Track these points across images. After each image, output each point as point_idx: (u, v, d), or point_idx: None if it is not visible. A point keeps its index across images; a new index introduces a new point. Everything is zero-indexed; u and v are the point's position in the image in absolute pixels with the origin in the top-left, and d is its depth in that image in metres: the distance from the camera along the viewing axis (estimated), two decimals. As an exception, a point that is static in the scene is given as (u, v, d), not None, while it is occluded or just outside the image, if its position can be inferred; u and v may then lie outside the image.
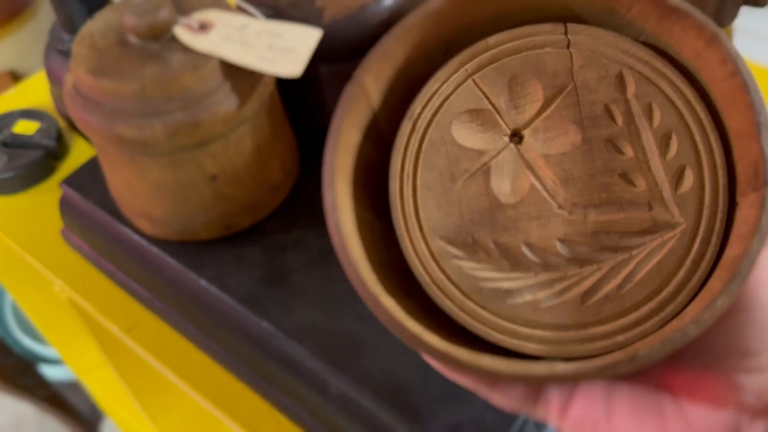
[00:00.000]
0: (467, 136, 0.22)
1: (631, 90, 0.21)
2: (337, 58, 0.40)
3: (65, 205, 0.48)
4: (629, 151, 0.21)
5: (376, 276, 0.21)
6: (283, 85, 0.41)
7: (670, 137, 0.21)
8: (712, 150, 0.20)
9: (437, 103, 0.22)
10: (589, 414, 0.22)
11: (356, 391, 0.35)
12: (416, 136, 0.22)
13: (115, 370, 0.59)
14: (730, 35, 0.44)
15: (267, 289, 0.39)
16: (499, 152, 0.22)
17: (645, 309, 0.20)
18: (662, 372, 0.23)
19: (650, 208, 0.20)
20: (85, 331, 0.55)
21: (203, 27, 0.37)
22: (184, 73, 0.35)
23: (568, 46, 0.21)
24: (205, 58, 0.36)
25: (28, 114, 0.57)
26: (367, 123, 0.22)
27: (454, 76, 0.22)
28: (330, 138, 0.22)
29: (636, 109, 0.21)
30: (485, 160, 0.22)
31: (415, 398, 0.34)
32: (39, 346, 1.03)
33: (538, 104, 0.21)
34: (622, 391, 0.22)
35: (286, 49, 0.37)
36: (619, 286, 0.20)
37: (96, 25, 0.38)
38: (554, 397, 0.23)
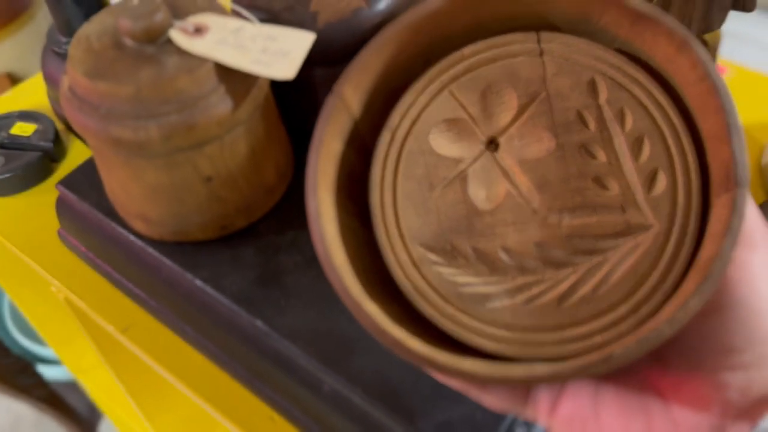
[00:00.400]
0: (444, 144, 0.22)
1: (603, 96, 0.21)
2: (330, 62, 0.40)
3: (62, 206, 0.48)
4: (602, 156, 0.21)
5: (360, 282, 0.22)
6: (277, 88, 0.42)
7: (642, 141, 0.21)
8: (684, 153, 0.21)
9: (415, 114, 0.23)
10: (577, 413, 0.23)
11: (349, 390, 0.36)
12: (395, 146, 0.23)
13: (111, 369, 0.60)
14: (718, 40, 0.44)
15: (261, 289, 0.40)
16: (475, 160, 0.22)
17: (621, 310, 0.20)
18: (649, 372, 0.23)
19: (624, 211, 0.21)
20: (81, 331, 0.56)
21: (198, 30, 0.37)
22: (180, 75, 0.35)
23: (541, 55, 0.22)
24: (200, 61, 0.36)
25: (26, 116, 0.57)
26: (349, 133, 0.23)
27: (431, 86, 0.23)
28: (312, 148, 0.22)
29: (608, 114, 0.21)
30: (462, 168, 0.22)
31: (407, 397, 0.35)
32: (36, 346, 1.03)
33: (513, 112, 0.22)
34: (609, 391, 0.23)
35: (281, 53, 0.37)
36: (595, 288, 0.20)
37: (92, 28, 0.39)
38: (543, 397, 0.23)
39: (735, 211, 0.19)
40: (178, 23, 0.37)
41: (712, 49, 0.44)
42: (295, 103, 0.44)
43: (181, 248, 0.42)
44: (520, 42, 0.22)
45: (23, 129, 0.56)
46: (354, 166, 0.23)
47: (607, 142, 0.21)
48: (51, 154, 0.56)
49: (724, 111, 0.19)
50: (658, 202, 0.21)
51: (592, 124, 0.21)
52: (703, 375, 0.21)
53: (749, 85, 0.58)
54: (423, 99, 0.23)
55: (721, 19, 0.41)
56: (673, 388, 0.22)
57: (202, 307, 0.41)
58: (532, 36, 0.22)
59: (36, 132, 0.56)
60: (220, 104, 0.36)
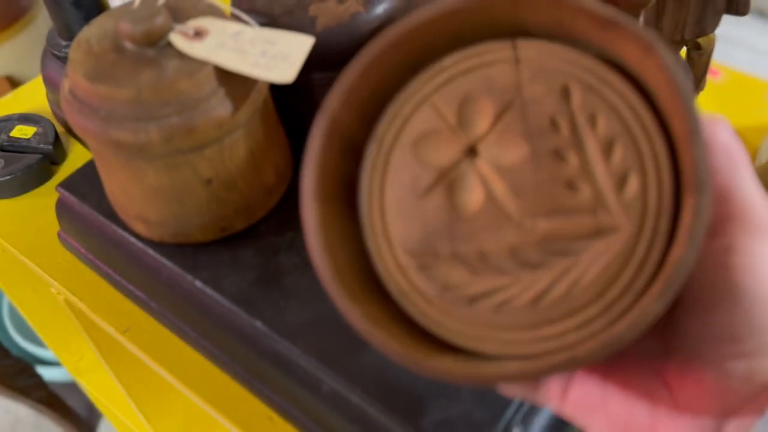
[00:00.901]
0: (427, 154, 0.23)
1: (576, 100, 0.21)
2: (329, 65, 0.40)
3: (62, 208, 0.48)
4: (574, 161, 0.21)
5: (358, 284, 0.23)
6: (276, 91, 0.42)
7: (614, 144, 0.21)
8: (656, 154, 0.21)
9: (399, 124, 0.23)
10: (585, 399, 0.24)
11: (348, 390, 0.36)
12: (382, 157, 0.23)
13: (111, 371, 0.60)
14: (712, 44, 0.44)
15: (261, 289, 0.40)
16: (455, 168, 0.23)
17: (592, 310, 0.21)
18: (655, 358, 0.24)
19: (595, 213, 0.21)
20: (81, 332, 0.56)
21: (198, 34, 0.38)
22: (180, 78, 0.36)
23: (517, 62, 0.22)
24: (200, 64, 0.36)
25: (26, 118, 0.57)
26: (343, 145, 0.24)
27: (414, 97, 0.23)
28: (306, 163, 0.23)
29: (580, 118, 0.21)
30: (443, 176, 0.23)
31: (406, 395, 0.35)
32: (36, 348, 1.03)
33: (490, 120, 0.22)
34: (616, 378, 0.24)
35: (280, 56, 0.37)
36: (568, 289, 0.21)
37: (93, 31, 0.39)
38: (553, 384, 0.24)
39: (696, 216, 0.19)
40: (178, 27, 0.38)
41: (706, 53, 0.44)
42: (294, 106, 0.44)
43: (181, 250, 0.42)
44: (496, 51, 0.23)
45: (23, 132, 0.56)
46: (352, 175, 0.24)
47: (580, 147, 0.21)
48: (51, 157, 0.56)
49: (687, 116, 0.19)
50: (629, 204, 0.21)
51: (564, 129, 0.22)
52: (706, 363, 0.22)
53: (742, 88, 0.59)
54: (407, 110, 0.23)
55: (715, 23, 0.42)
56: (677, 376, 0.23)
57: (202, 308, 0.41)
58: (507, 44, 0.23)
59: (36, 135, 0.56)
60: (220, 107, 0.37)
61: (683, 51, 0.46)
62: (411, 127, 0.23)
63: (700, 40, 0.44)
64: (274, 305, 0.39)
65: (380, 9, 0.41)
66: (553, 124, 0.22)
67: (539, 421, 0.36)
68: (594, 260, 0.21)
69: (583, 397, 0.24)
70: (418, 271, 0.23)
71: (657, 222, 0.21)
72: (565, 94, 0.22)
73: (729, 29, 0.55)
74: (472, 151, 0.23)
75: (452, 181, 0.23)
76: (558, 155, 0.21)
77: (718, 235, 0.22)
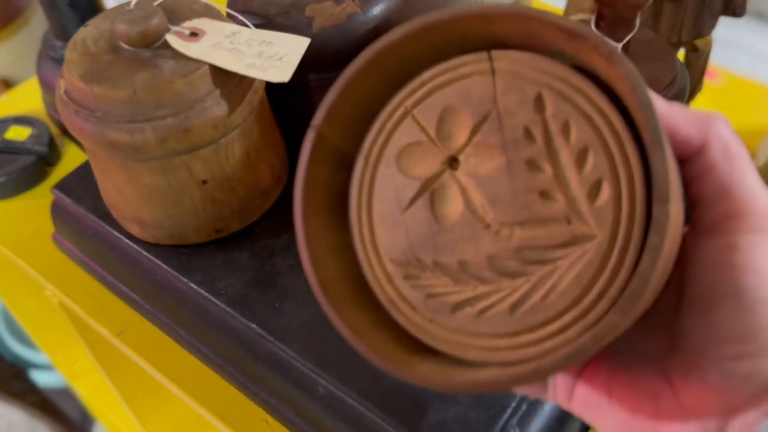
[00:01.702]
0: (410, 167, 0.24)
1: (549, 110, 0.22)
2: (325, 66, 0.40)
3: (57, 210, 0.48)
4: (548, 170, 0.22)
5: (350, 293, 0.24)
6: (272, 91, 0.42)
7: (587, 152, 0.21)
8: (629, 162, 0.21)
9: (383, 140, 0.24)
10: (591, 398, 0.24)
11: (344, 392, 0.36)
12: (369, 172, 0.24)
13: (105, 373, 0.60)
14: (709, 45, 0.45)
15: (256, 292, 0.40)
16: (436, 180, 0.23)
17: (568, 317, 0.21)
18: (660, 357, 0.24)
19: (569, 222, 0.21)
20: (75, 335, 0.56)
21: (194, 34, 0.38)
22: (175, 79, 0.36)
23: (493, 73, 0.22)
24: (196, 64, 0.36)
25: (21, 120, 0.57)
26: (334, 160, 0.25)
27: (397, 112, 0.24)
28: (297, 177, 0.24)
29: (553, 128, 0.21)
30: (426, 188, 0.23)
31: (402, 398, 0.35)
32: (29, 352, 1.03)
33: (467, 132, 0.23)
34: (621, 377, 0.24)
35: (276, 57, 0.37)
36: (544, 297, 0.21)
37: (89, 32, 0.39)
38: (561, 383, 0.25)
39: (654, 228, 0.19)
40: (174, 27, 0.38)
41: (703, 54, 0.45)
42: (290, 107, 0.44)
43: (176, 251, 0.42)
44: (472, 63, 0.23)
45: (18, 133, 0.56)
46: (346, 185, 0.25)
47: (553, 156, 0.22)
48: (46, 158, 0.56)
49: (649, 125, 0.19)
50: (601, 212, 0.21)
51: (538, 139, 0.22)
52: (709, 363, 0.22)
53: (740, 91, 0.59)
54: (390, 125, 0.24)
55: (712, 25, 0.42)
56: (681, 376, 0.23)
57: (197, 310, 0.41)
58: (483, 56, 0.23)
59: (31, 136, 0.56)
60: (216, 107, 0.36)
61: (681, 53, 0.46)
62: (394, 141, 0.24)
63: (697, 42, 0.44)
64: (270, 307, 0.39)
65: (377, 10, 0.41)
66: (528, 134, 0.22)
67: (536, 424, 0.36)
68: (569, 268, 0.21)
69: (589, 396, 0.24)
70: (403, 281, 0.23)
71: (629, 230, 0.21)
72: (539, 103, 0.22)
73: (729, 32, 0.55)
74: (451, 164, 0.23)
75: (434, 192, 0.23)
76: (533, 165, 0.22)
77: (721, 233, 0.21)
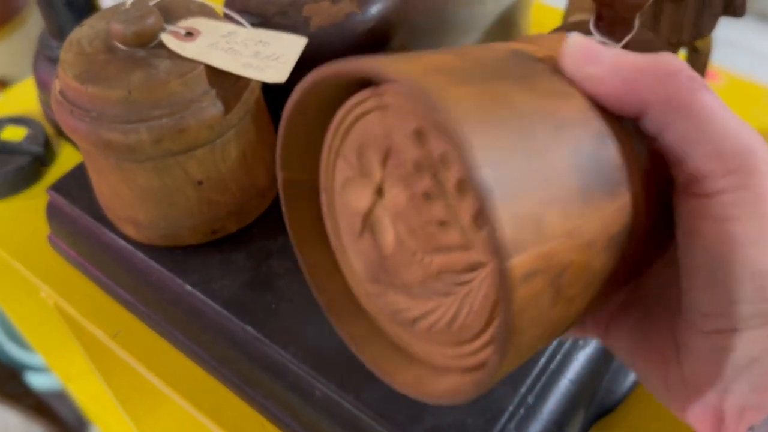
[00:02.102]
0: (352, 200, 0.25)
1: (431, 142, 0.21)
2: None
3: (52, 211, 0.48)
4: (439, 201, 0.22)
5: (351, 308, 0.26)
6: (268, 91, 0.42)
7: (465, 182, 0.21)
8: None
9: (330, 175, 0.25)
10: (620, 343, 0.26)
11: (341, 396, 0.36)
12: (329, 204, 0.26)
13: (101, 376, 0.59)
14: (709, 46, 0.44)
15: (252, 293, 0.40)
16: (371, 212, 0.24)
17: (488, 333, 0.22)
18: (672, 320, 0.24)
19: (466, 249, 0.21)
20: (71, 337, 0.55)
21: (190, 34, 0.37)
22: (171, 79, 0.35)
23: (384, 108, 0.22)
24: (191, 64, 0.36)
25: (16, 120, 0.57)
26: (312, 192, 0.26)
27: (331, 152, 0.25)
28: (285, 220, 0.26)
29: (436, 159, 0.21)
30: (366, 220, 0.24)
31: (398, 402, 0.35)
32: (25, 354, 1.02)
33: (378, 167, 0.23)
34: (639, 336, 0.25)
35: (273, 57, 0.37)
36: (467, 314, 0.22)
37: (84, 31, 0.39)
38: (596, 326, 0.27)
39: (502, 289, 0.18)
40: (169, 27, 0.37)
41: (703, 55, 0.44)
42: (287, 108, 0.44)
43: (172, 252, 0.42)
44: (368, 99, 0.23)
45: (14, 133, 0.56)
46: None
47: (441, 187, 0.21)
48: (41, 159, 0.55)
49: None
50: (485, 240, 0.21)
51: (426, 172, 0.22)
52: (704, 336, 0.22)
53: (741, 92, 0.59)
54: (331, 161, 0.25)
55: (712, 25, 0.42)
56: (683, 345, 0.23)
57: (192, 312, 0.41)
58: (374, 90, 0.23)
59: (26, 136, 0.56)
60: (212, 108, 0.36)
61: (681, 53, 0.46)
62: (336, 177, 0.25)
63: (698, 43, 0.43)
64: (266, 309, 0.39)
65: (375, 9, 0.41)
66: (418, 168, 0.22)
67: (534, 428, 0.35)
68: (479, 289, 0.21)
69: (618, 342, 0.26)
70: (376, 298, 0.25)
71: None
72: (420, 136, 0.21)
73: (729, 32, 0.55)
74: (379, 195, 0.24)
75: (372, 224, 0.24)
76: (428, 197, 0.22)
77: (690, 197, 0.21)
